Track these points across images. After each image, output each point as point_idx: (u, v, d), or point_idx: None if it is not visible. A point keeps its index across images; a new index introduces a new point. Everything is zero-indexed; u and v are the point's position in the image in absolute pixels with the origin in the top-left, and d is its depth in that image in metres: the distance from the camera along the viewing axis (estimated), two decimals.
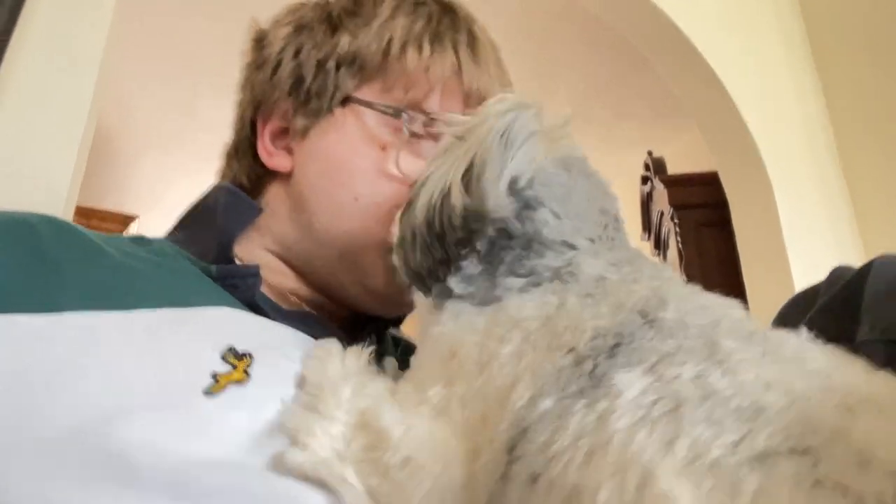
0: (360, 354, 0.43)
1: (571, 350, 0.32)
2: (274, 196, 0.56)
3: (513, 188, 0.39)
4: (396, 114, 0.52)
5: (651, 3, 1.66)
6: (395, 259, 0.43)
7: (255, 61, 0.57)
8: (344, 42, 0.54)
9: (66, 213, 0.96)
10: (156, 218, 3.70)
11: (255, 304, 0.48)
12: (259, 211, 0.54)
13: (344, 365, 0.41)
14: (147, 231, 0.62)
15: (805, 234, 1.63)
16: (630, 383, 0.28)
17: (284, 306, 0.53)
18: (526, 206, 0.39)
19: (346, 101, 0.53)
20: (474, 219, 0.39)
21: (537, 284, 0.37)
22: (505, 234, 0.40)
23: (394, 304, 0.54)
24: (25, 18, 0.97)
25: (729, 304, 0.35)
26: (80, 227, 0.47)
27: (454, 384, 0.35)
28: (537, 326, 0.34)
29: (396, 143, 0.52)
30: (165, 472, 0.33)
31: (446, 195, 0.40)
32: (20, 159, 0.94)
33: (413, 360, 0.42)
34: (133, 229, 3.70)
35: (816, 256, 1.62)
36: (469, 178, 0.39)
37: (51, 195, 0.94)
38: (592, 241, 0.39)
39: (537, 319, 0.35)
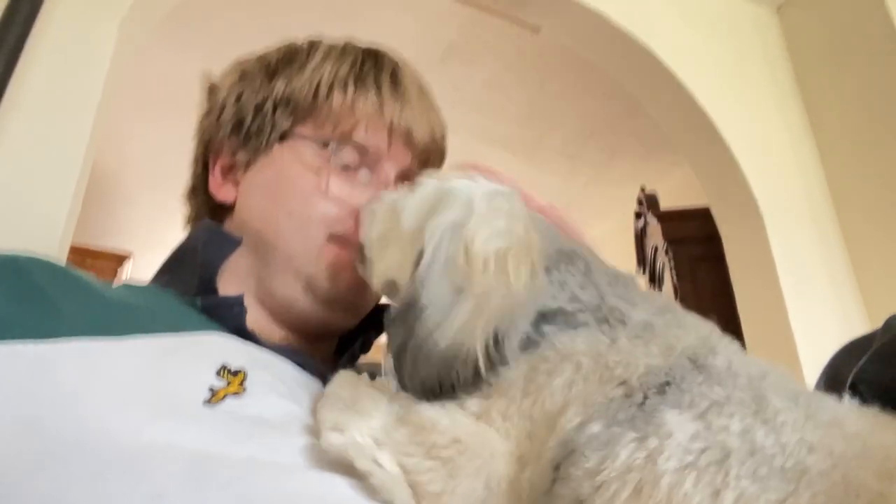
0: (384, 381, 0.44)
1: (623, 383, 0.33)
2: (226, 228, 0.61)
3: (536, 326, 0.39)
4: (325, 144, 0.58)
5: (644, 49, 1.71)
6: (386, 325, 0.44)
7: (206, 108, 0.65)
8: (279, 87, 0.60)
9: (60, 251, 0.96)
10: (150, 256, 3.70)
11: (243, 332, 0.49)
12: (238, 242, 0.57)
13: (373, 386, 0.42)
14: (142, 269, 0.66)
15: (798, 268, 1.64)
16: (680, 426, 0.29)
17: (268, 340, 0.54)
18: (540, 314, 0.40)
19: (283, 137, 0.60)
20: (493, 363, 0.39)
21: (578, 327, 0.38)
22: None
23: (345, 306, 0.58)
24: (25, 59, 0.99)
25: (769, 361, 0.36)
26: (63, 265, 0.49)
27: (492, 398, 0.36)
28: (589, 360, 0.35)
29: (327, 168, 0.58)
30: (178, 470, 0.34)
31: (458, 360, 0.39)
32: (16, 198, 0.94)
33: None
34: (127, 267, 3.70)
35: (810, 289, 1.63)
36: (488, 347, 0.38)
37: (46, 234, 0.94)
38: (621, 297, 0.40)
39: (588, 354, 0.35)
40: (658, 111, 1.87)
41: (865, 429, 0.29)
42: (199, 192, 0.64)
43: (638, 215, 2.50)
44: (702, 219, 1.99)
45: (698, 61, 1.79)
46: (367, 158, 0.59)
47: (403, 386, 0.43)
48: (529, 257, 0.41)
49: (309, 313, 0.57)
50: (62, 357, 0.38)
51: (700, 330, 0.38)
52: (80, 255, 3.05)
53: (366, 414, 0.37)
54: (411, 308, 0.42)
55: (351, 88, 0.59)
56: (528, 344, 0.38)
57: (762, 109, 1.84)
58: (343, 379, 0.44)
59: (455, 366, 0.39)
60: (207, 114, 0.64)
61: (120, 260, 3.64)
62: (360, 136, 0.59)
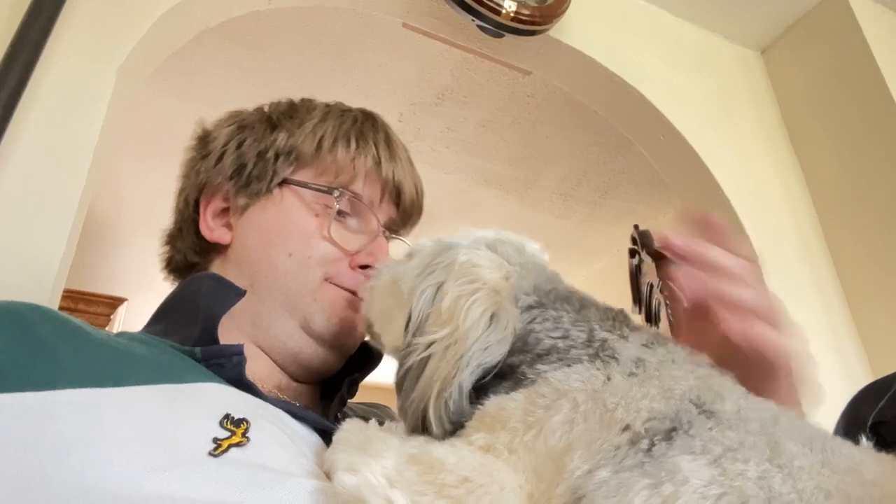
0: (392, 425, 0.44)
1: (627, 428, 0.33)
2: (217, 268, 0.63)
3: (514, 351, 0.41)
4: (329, 190, 0.62)
5: (634, 91, 1.74)
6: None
7: (200, 153, 0.67)
8: (281, 138, 0.64)
9: (53, 297, 0.96)
10: (144, 301, 3.67)
11: (242, 382, 0.49)
12: (242, 293, 0.57)
13: (382, 429, 0.43)
14: (136, 314, 0.67)
15: (791, 304, 1.63)
16: (695, 472, 0.29)
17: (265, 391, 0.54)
18: (528, 350, 0.41)
19: (283, 183, 0.63)
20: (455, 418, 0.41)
21: (572, 364, 0.38)
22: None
23: (337, 346, 0.60)
24: (24, 104, 1.00)
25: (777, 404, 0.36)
26: (61, 313, 0.49)
27: (496, 432, 0.36)
28: (585, 398, 0.35)
29: (328, 213, 0.62)
30: None
31: (425, 414, 0.41)
32: (11, 242, 0.94)
33: None
34: (121, 312, 3.67)
35: (805, 325, 1.62)
36: (440, 403, 0.41)
37: (39, 278, 0.93)
38: (611, 331, 0.41)
39: (584, 391, 0.35)
40: (649, 151, 1.90)
41: (884, 475, 0.29)
42: (188, 234, 0.66)
43: (632, 253, 2.50)
44: None
45: (687, 102, 1.82)
46: (359, 208, 0.64)
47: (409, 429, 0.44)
48: (493, 300, 0.42)
49: (303, 350, 0.59)
50: (63, 407, 0.38)
51: (697, 369, 0.37)
52: (73, 299, 3.03)
53: (377, 455, 0.37)
54: (403, 369, 0.43)
55: (353, 143, 0.64)
56: (525, 381, 0.38)
57: (751, 149, 1.87)
58: (352, 426, 0.44)
59: (425, 416, 0.40)
60: (202, 158, 0.66)
61: (114, 304, 3.61)
62: (357, 187, 0.63)
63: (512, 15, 1.44)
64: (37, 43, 1.02)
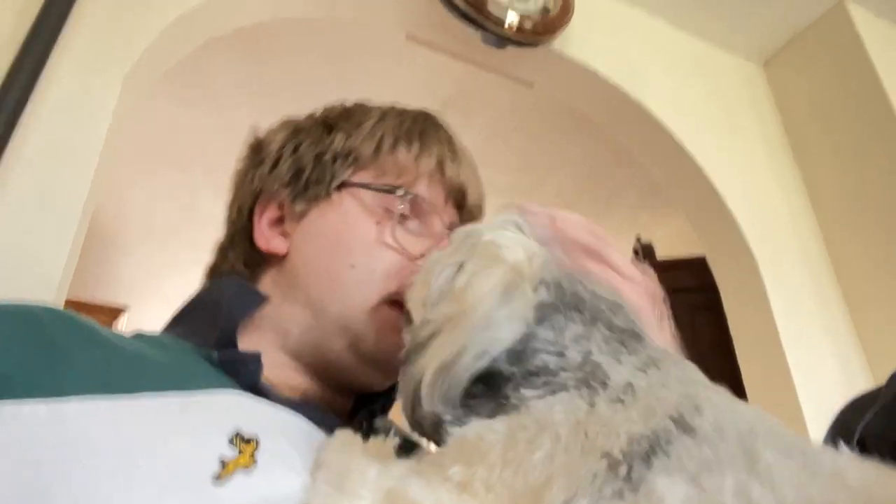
0: (381, 444, 0.43)
1: (606, 455, 0.32)
2: (269, 282, 0.60)
3: (511, 359, 0.40)
4: (392, 190, 0.58)
5: (635, 102, 1.74)
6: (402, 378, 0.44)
7: (254, 160, 0.64)
8: (339, 140, 0.61)
9: (56, 306, 0.96)
10: (147, 310, 3.67)
11: (258, 389, 0.48)
12: (265, 299, 0.56)
13: (366, 450, 0.41)
14: (137, 323, 0.64)
15: (795, 317, 1.64)
16: (671, 491, 0.28)
17: (283, 395, 0.53)
18: (522, 360, 0.40)
19: (342, 186, 0.59)
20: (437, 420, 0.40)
21: (557, 391, 0.37)
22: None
23: (385, 368, 0.56)
24: (29, 112, 1.00)
25: (760, 411, 0.35)
26: (79, 315, 0.48)
27: (473, 466, 0.35)
28: (567, 431, 0.34)
29: (391, 217, 0.58)
30: None
31: (417, 395, 0.40)
32: (14, 250, 0.94)
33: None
34: (123, 320, 3.67)
35: (808, 338, 1.62)
36: (433, 386, 0.40)
37: (42, 287, 0.94)
38: (609, 353, 0.40)
39: (566, 424, 0.34)
40: (651, 162, 1.90)
41: (868, 480, 0.28)
42: (241, 243, 0.62)
43: None
44: (699, 268, 1.99)
45: (689, 114, 1.83)
46: (421, 210, 0.60)
47: (413, 426, 0.43)
48: (509, 278, 0.41)
49: (349, 370, 0.56)
50: (70, 419, 0.37)
51: (686, 385, 0.37)
52: (75, 308, 3.02)
53: (352, 493, 0.36)
54: (406, 351, 0.42)
55: (416, 143, 0.60)
56: (508, 407, 0.38)
57: (753, 160, 1.87)
58: (337, 443, 0.43)
59: (416, 398, 0.39)
60: (258, 165, 0.63)
61: (115, 313, 3.61)
62: (421, 189, 0.60)
63: (515, 27, 1.45)
64: (42, 52, 1.03)
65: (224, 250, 0.64)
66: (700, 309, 2.07)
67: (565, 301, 0.42)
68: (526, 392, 0.38)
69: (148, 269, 3.52)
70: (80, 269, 1.07)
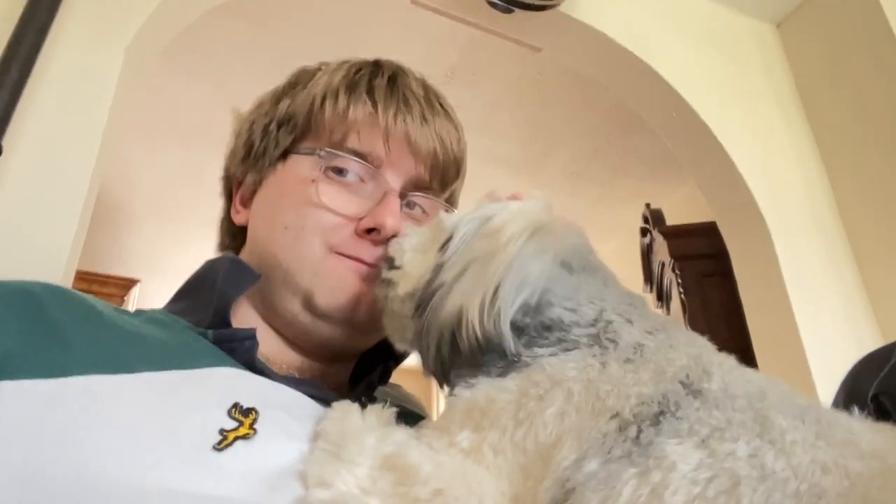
0: (380, 411, 0.43)
1: (616, 416, 0.32)
2: (247, 255, 0.62)
3: (526, 310, 0.40)
4: (312, 152, 0.58)
5: (646, 66, 1.72)
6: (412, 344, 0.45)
7: (230, 147, 0.67)
8: (283, 106, 0.61)
9: (66, 278, 0.96)
10: (158, 283, 3.70)
11: (254, 366, 0.49)
12: (258, 277, 0.56)
13: (364, 419, 0.42)
14: (149, 296, 0.67)
15: (806, 280, 1.63)
16: (683, 456, 0.28)
17: (278, 371, 0.54)
18: (538, 312, 0.40)
19: (284, 155, 0.60)
20: (490, 347, 0.40)
21: (570, 350, 0.37)
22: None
23: (348, 323, 0.56)
24: (31, 86, 1.00)
25: (769, 376, 0.35)
26: (78, 292, 0.48)
27: (483, 431, 0.35)
28: (580, 388, 0.34)
29: (320, 177, 0.57)
30: None
31: (460, 326, 0.40)
32: (22, 224, 0.95)
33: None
34: (135, 294, 3.70)
35: (819, 300, 1.61)
36: (483, 312, 0.39)
37: (51, 260, 0.94)
38: (621, 314, 0.40)
39: (580, 381, 0.34)
40: (662, 128, 1.88)
41: (883, 446, 0.28)
42: (225, 220, 0.66)
43: (644, 232, 2.49)
44: (708, 234, 1.98)
45: (700, 78, 1.79)
46: (367, 169, 0.58)
47: (426, 368, 0.44)
48: (539, 226, 0.41)
49: (310, 329, 0.56)
50: (69, 397, 0.38)
51: (692, 349, 0.37)
52: (86, 281, 3.05)
53: (350, 461, 0.37)
54: (428, 292, 0.42)
55: (343, 98, 0.59)
56: (521, 364, 0.38)
57: (765, 124, 1.84)
58: (336, 413, 0.43)
59: (454, 332, 0.39)
60: (231, 151, 0.66)
61: (127, 286, 3.64)
62: (352, 142, 0.58)
63: None
64: (43, 23, 1.02)
65: (220, 228, 0.68)
66: (709, 275, 2.06)
67: (580, 264, 0.42)
68: (539, 350, 0.38)
69: (157, 242, 3.54)
70: (90, 242, 1.08)
